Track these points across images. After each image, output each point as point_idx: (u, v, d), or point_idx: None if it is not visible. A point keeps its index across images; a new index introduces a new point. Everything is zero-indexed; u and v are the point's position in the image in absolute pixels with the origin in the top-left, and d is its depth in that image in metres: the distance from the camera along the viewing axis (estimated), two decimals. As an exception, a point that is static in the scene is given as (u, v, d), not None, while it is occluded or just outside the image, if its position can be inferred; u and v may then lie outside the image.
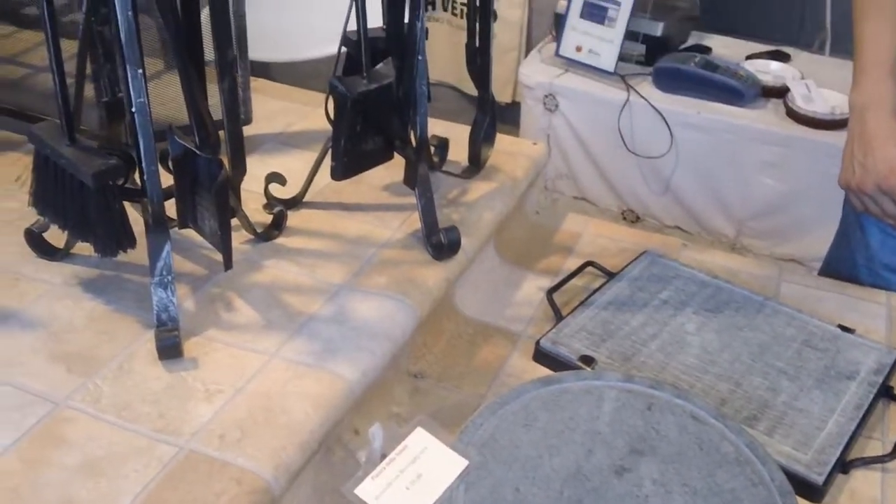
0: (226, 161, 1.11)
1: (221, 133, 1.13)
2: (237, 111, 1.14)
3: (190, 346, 1.03)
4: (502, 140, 1.48)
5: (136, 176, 1.06)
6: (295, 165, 1.39)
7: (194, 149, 1.02)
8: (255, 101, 1.52)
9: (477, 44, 1.27)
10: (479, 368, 1.18)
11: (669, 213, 2.17)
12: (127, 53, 0.94)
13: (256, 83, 1.63)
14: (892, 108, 1.22)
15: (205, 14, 1.13)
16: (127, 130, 1.16)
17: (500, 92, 2.53)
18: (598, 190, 2.21)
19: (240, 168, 1.17)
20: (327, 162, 1.25)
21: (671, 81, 2.04)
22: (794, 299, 1.28)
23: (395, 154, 1.27)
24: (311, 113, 1.61)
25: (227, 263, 1.07)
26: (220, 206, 1.02)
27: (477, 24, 1.26)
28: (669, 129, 2.02)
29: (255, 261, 1.20)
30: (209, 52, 1.13)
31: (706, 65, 2.02)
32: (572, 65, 2.13)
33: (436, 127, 1.40)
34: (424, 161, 1.23)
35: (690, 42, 2.27)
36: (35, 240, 1.17)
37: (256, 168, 1.27)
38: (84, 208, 1.03)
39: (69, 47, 1.08)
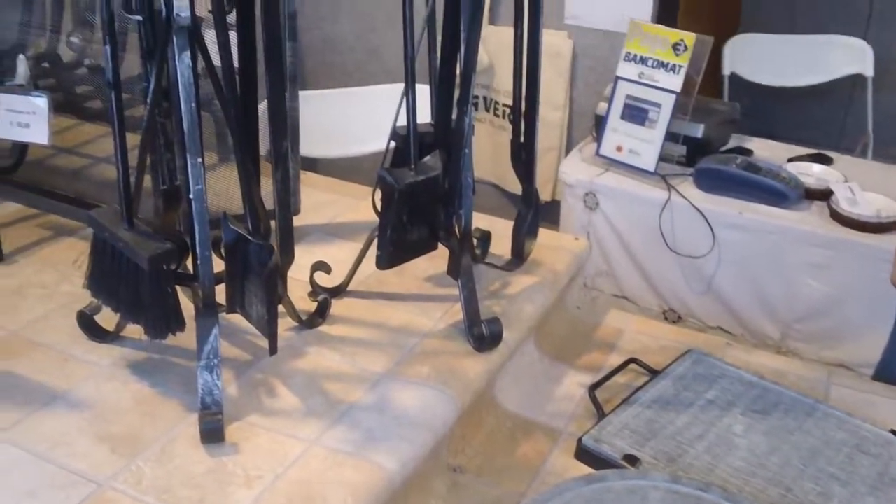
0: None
1: (272, 222, 1.16)
2: (288, 201, 1.17)
3: (232, 430, 1.03)
4: (544, 234, 1.50)
5: (188, 262, 1.09)
6: (340, 255, 1.41)
7: (247, 235, 1.05)
8: (303, 193, 1.56)
9: (521, 140, 1.30)
10: (519, 464, 1.16)
11: (712, 313, 2.14)
12: (188, 143, 0.98)
13: (304, 176, 1.68)
14: None
15: (261, 107, 1.18)
16: (181, 218, 1.20)
17: (541, 190, 2.56)
18: (639, 289, 2.20)
19: (288, 256, 1.19)
20: (371, 252, 1.28)
21: (713, 182, 2.05)
22: (844, 403, 1.26)
23: (439, 245, 1.28)
24: (357, 205, 1.65)
25: (273, 348, 1.08)
26: (269, 291, 1.04)
27: (522, 121, 1.29)
28: (711, 228, 2.02)
29: (299, 347, 1.21)
30: (263, 145, 1.18)
31: (748, 166, 2.03)
32: (613, 164, 2.15)
33: (478, 220, 1.42)
34: (468, 252, 1.25)
35: (731, 144, 2.29)
36: (86, 322, 1.20)
37: (303, 257, 1.29)
38: (137, 291, 1.05)
39: (130, 139, 1.13)
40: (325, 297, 1.26)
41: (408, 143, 1.23)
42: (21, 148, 1.42)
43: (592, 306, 1.59)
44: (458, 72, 1.20)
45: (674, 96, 2.02)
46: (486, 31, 2.44)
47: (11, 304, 1.27)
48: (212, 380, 1.02)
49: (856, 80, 2.73)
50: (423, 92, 1.28)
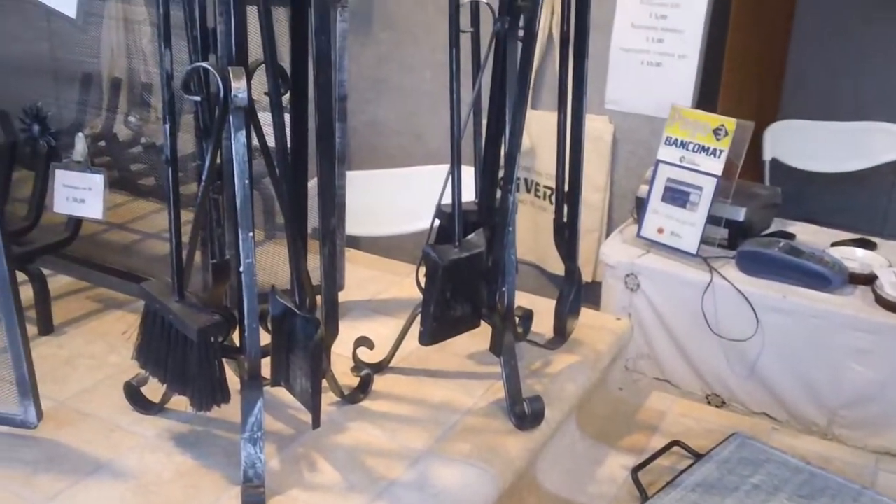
0: (320, 322, 1.15)
1: (318, 297, 1.18)
2: (334, 276, 1.19)
3: (273, 504, 1.03)
4: (585, 314, 1.50)
5: (233, 335, 1.11)
6: (382, 331, 1.42)
7: (294, 308, 1.07)
8: (347, 270, 1.59)
9: (564, 219, 1.31)
10: (562, 546, 1.14)
11: (756, 398, 2.10)
12: (241, 218, 1.01)
13: (348, 253, 1.71)
14: None
15: (309, 185, 1.21)
16: (228, 292, 1.23)
17: (582, 271, 2.57)
18: (681, 372, 2.17)
19: (333, 330, 1.21)
20: (414, 328, 1.29)
21: (755, 265, 2.04)
22: (892, 490, 1.22)
23: (481, 322, 1.29)
24: (399, 282, 1.67)
25: (316, 422, 1.08)
26: (315, 364, 1.05)
27: (564, 201, 1.31)
28: (754, 312, 2.00)
29: (340, 422, 1.21)
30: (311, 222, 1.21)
31: (791, 250, 2.02)
32: (654, 246, 2.16)
33: (519, 299, 1.43)
34: (510, 330, 1.25)
35: (773, 228, 2.29)
36: (133, 393, 1.21)
37: (346, 332, 1.31)
38: (185, 362, 1.07)
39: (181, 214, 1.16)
40: (367, 373, 1.27)
41: (452, 221, 1.25)
42: (76, 222, 1.46)
43: (634, 388, 1.57)
44: (502, 153, 1.23)
45: (715, 180, 2.04)
46: (528, 115, 2.49)
47: (62, 375, 1.30)
48: (255, 453, 1.03)
49: (898, 167, 2.73)
50: (466, 172, 1.31)
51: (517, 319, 1.38)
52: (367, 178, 2.53)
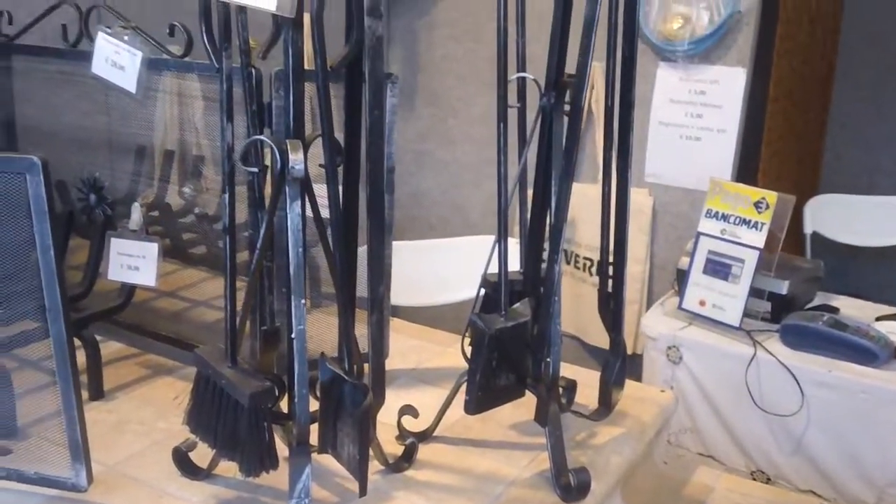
0: (366, 390, 1.16)
1: (365, 365, 1.19)
2: (382, 344, 1.21)
3: (319, 572, 1.03)
4: (629, 385, 1.49)
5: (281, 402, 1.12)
6: (426, 400, 1.43)
7: (343, 375, 1.08)
8: (391, 338, 1.60)
9: (609, 289, 1.32)
10: None
11: (802, 475, 2.06)
12: (294, 285, 1.04)
13: (392, 322, 1.72)
14: None
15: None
16: (277, 358, 1.25)
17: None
18: (726, 447, 2.14)
19: (379, 398, 1.22)
20: (458, 398, 1.29)
21: (799, 339, 2.03)
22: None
23: (526, 392, 1.29)
24: (443, 352, 1.68)
25: (363, 489, 1.08)
26: (362, 431, 1.06)
27: (610, 270, 1.32)
28: (800, 386, 1.98)
29: (385, 491, 1.21)
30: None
31: (835, 324, 2.01)
32: (696, 318, 2.15)
33: (561, 370, 1.43)
34: (556, 400, 1.25)
35: (816, 302, 2.28)
36: (181, 458, 1.23)
37: (390, 400, 1.31)
38: (235, 428, 1.08)
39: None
40: (412, 441, 1.27)
41: (498, 291, 1.27)
42: (129, 289, 1.50)
43: (679, 462, 1.55)
44: (547, 224, 1.25)
45: (757, 252, 2.04)
46: (568, 187, 2.52)
47: (111, 440, 1.32)
48: (302, 519, 1.03)
49: (941, 240, 2.71)
50: (510, 242, 1.33)
51: (560, 390, 1.38)
52: (409, 249, 2.57)
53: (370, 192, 1.12)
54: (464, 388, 1.29)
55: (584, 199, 2.14)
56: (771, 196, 2.04)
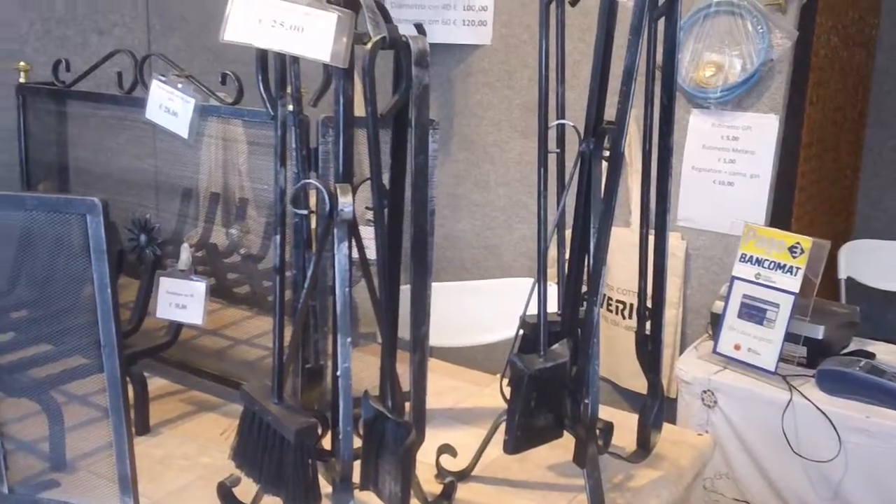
0: (407, 428, 1.18)
1: (405, 403, 1.22)
2: (424, 383, 1.23)
3: None
4: (666, 428, 1.49)
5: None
6: (464, 439, 1.44)
7: (387, 413, 1.11)
8: (428, 378, 1.62)
9: (647, 330, 1.34)
10: None
11: (840, 523, 2.04)
12: (340, 324, 1.07)
13: (430, 362, 1.75)
14: None
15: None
16: (319, 395, 1.28)
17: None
18: (762, 493, 2.12)
19: (420, 437, 1.23)
20: (496, 438, 1.31)
21: (836, 385, 2.02)
22: None
23: (564, 433, 1.31)
24: (479, 392, 1.70)
25: (404, 527, 1.10)
26: (404, 469, 1.08)
27: (647, 312, 1.34)
28: (837, 432, 1.97)
29: (425, 529, 1.22)
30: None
31: (872, 369, 2.00)
32: (731, 362, 2.15)
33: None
34: (594, 441, 1.26)
35: (852, 347, 2.27)
36: (226, 494, 1.25)
37: (427, 440, 1.33)
38: (280, 463, 1.11)
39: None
40: (451, 481, 1.28)
41: (536, 331, 1.29)
42: (177, 328, 1.54)
43: (716, 507, 1.55)
44: (586, 266, 1.27)
45: (792, 297, 2.05)
46: (601, 231, 2.55)
47: (157, 474, 1.35)
48: (345, 555, 1.05)
49: (980, 287, 2.69)
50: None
51: (598, 431, 1.39)
52: (443, 290, 2.60)
53: (414, 233, 1.15)
54: (502, 427, 1.30)
55: (617, 243, 2.15)
56: (805, 241, 2.05)
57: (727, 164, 2.52)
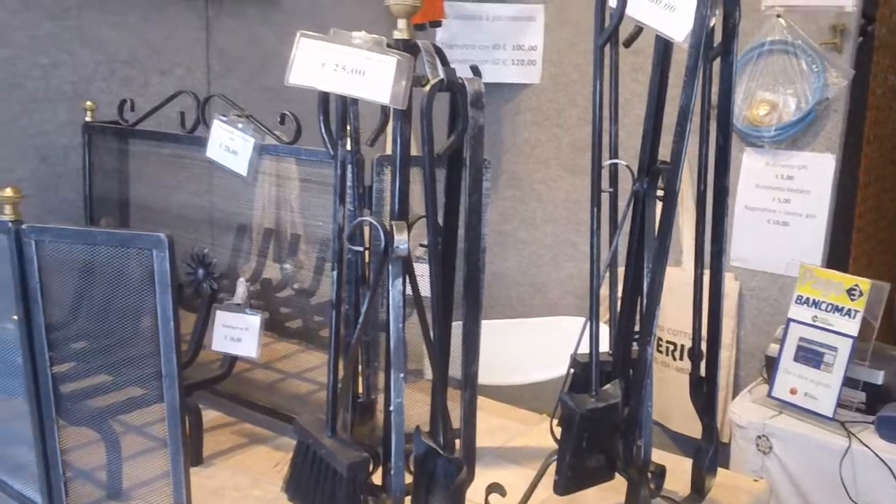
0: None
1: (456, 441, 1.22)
2: (474, 420, 1.23)
3: None
4: (720, 473, 1.47)
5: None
6: (513, 479, 1.43)
7: (438, 449, 1.11)
8: (477, 416, 1.62)
9: (702, 373, 1.32)
10: None
11: (902, 576, 1.97)
12: (393, 359, 1.08)
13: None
14: None
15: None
16: (370, 430, 1.28)
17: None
18: (818, 542, 2.06)
19: (470, 474, 1.23)
20: (545, 478, 1.30)
21: (896, 432, 1.97)
22: None
23: (615, 475, 1.29)
24: (528, 431, 1.69)
25: (455, 565, 1.10)
26: (456, 505, 1.08)
27: (703, 354, 1.32)
28: (897, 480, 1.91)
29: (474, 569, 1.21)
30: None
31: (934, 415, 1.94)
32: (787, 407, 2.11)
33: (651, 454, 1.42)
34: (646, 484, 1.25)
35: (913, 393, 2.21)
36: (277, 526, 1.26)
37: (476, 478, 1.32)
38: (332, 497, 1.12)
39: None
40: (501, 519, 1.28)
41: (587, 371, 1.28)
42: (231, 360, 1.57)
43: (771, 556, 1.51)
44: (638, 305, 1.27)
45: (850, 341, 2.01)
46: (652, 270, 2.53)
47: (209, 505, 1.36)
48: (395, 592, 1.04)
49: None
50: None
51: (649, 474, 1.37)
52: (490, 328, 2.59)
53: (467, 271, 1.16)
54: (552, 467, 1.29)
55: (668, 282, 2.13)
56: (864, 283, 2.01)
57: (782, 203, 2.49)
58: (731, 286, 2.57)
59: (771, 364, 2.17)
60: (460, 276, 1.22)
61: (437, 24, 2.78)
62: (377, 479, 1.20)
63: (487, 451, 1.60)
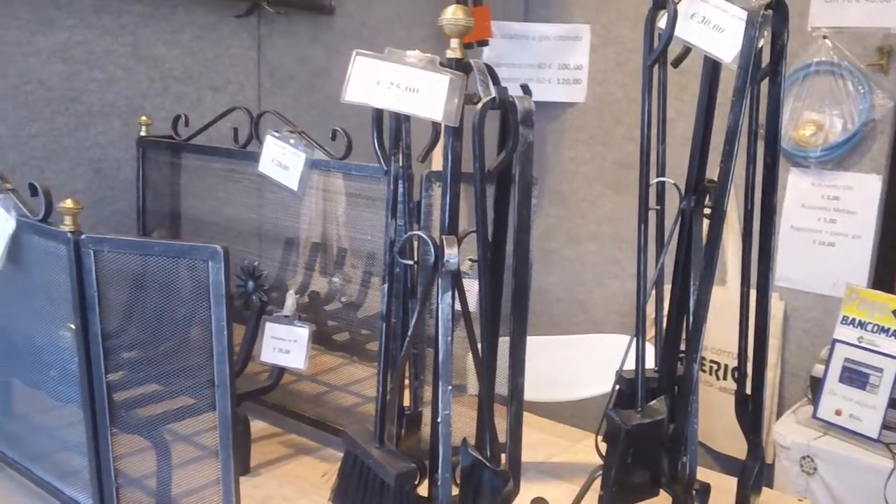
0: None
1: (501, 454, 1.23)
2: (520, 434, 1.24)
3: None
4: (765, 493, 1.46)
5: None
6: (556, 494, 1.44)
7: (485, 462, 1.12)
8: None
9: (748, 390, 1.32)
10: None
11: None
12: (441, 371, 1.10)
13: (522, 415, 1.75)
14: None
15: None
16: (416, 442, 1.30)
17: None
18: (864, 566, 2.03)
19: (515, 488, 1.24)
20: (590, 494, 1.30)
21: (944, 455, 1.94)
22: None
23: (660, 492, 1.29)
24: (571, 447, 1.69)
25: (498, 577, 1.11)
26: (502, 518, 1.09)
27: (749, 371, 1.32)
28: (945, 507, 1.88)
29: (519, 582, 1.22)
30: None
31: (984, 440, 1.91)
32: (832, 428, 2.09)
33: (696, 472, 1.42)
34: (691, 501, 1.25)
35: (961, 417, 2.17)
36: (324, 535, 1.28)
37: (521, 492, 1.33)
38: (379, 507, 1.13)
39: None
40: (545, 533, 1.28)
41: (633, 387, 1.29)
42: (279, 371, 1.60)
43: (815, 578, 1.49)
44: (685, 323, 1.27)
45: (897, 362, 1.98)
46: (695, 289, 2.52)
47: (261, 513, 1.39)
48: None
49: None
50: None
51: (694, 492, 1.37)
52: (535, 344, 2.60)
53: (515, 286, 1.18)
54: (596, 483, 1.30)
55: (713, 301, 2.13)
56: (911, 304, 1.99)
57: (827, 223, 2.47)
58: (776, 306, 2.55)
59: (816, 385, 2.15)
60: (506, 292, 1.23)
61: (484, 43, 2.81)
62: (423, 490, 1.22)
63: (530, 465, 1.60)
